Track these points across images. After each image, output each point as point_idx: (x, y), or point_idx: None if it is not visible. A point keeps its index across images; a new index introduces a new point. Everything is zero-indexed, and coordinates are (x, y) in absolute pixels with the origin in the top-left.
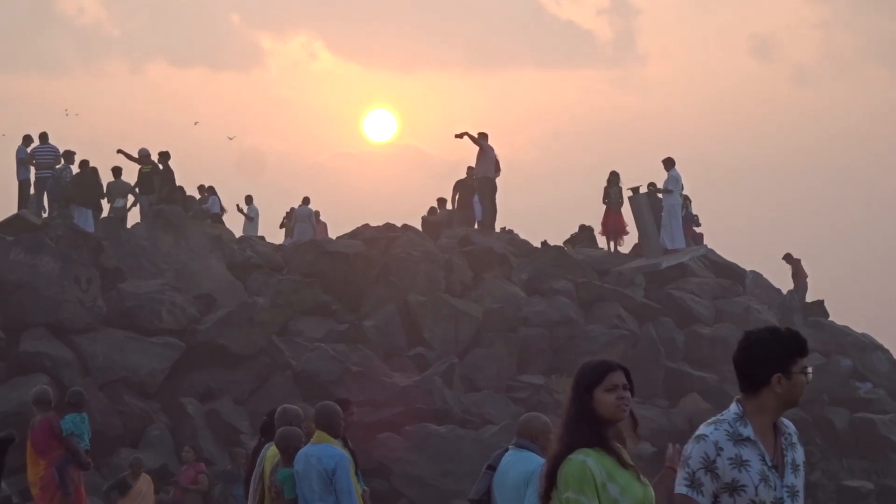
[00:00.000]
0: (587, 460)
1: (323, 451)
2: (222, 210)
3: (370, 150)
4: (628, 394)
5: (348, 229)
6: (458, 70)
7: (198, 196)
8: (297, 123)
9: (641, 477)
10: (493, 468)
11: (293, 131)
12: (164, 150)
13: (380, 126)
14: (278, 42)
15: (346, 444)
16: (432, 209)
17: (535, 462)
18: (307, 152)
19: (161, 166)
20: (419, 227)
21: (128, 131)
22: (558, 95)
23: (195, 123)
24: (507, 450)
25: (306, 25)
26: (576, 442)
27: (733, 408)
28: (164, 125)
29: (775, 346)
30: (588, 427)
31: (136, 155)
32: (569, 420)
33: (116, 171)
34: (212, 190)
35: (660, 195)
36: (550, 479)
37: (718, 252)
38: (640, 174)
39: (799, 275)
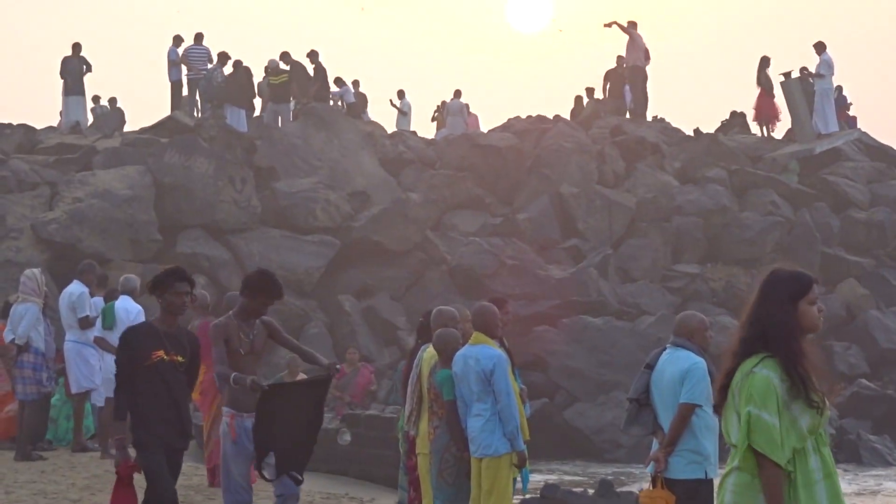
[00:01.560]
0: (771, 374)
1: (481, 351)
2: (363, 102)
3: (522, 37)
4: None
5: (502, 116)
6: None
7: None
8: (448, 13)
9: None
10: (650, 367)
11: (446, 20)
12: (312, 49)
13: (531, 13)
14: None
15: (502, 344)
16: (578, 98)
17: (691, 360)
18: (459, 41)
19: (313, 65)
20: (570, 117)
21: (273, 24)
22: None
23: (362, 9)
24: (664, 349)
25: None
26: (748, 351)
27: None
28: (312, 22)
29: None
30: (791, 339)
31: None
32: (775, 326)
33: (268, 70)
34: (340, 81)
35: (811, 79)
36: (724, 390)
37: (872, 135)
38: (801, 53)
39: None
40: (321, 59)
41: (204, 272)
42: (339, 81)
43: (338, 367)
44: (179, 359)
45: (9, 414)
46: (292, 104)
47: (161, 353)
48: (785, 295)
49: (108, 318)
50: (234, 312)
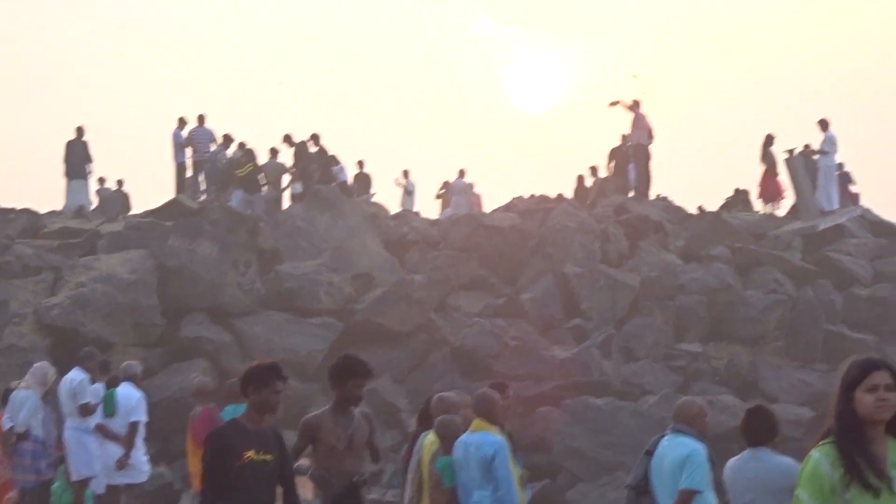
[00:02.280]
0: (822, 459)
1: (482, 438)
2: (367, 182)
3: (527, 115)
4: (892, 395)
5: (505, 195)
6: (614, 30)
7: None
8: (455, 90)
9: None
10: (650, 453)
11: (449, 99)
12: (314, 132)
13: (534, 90)
14: (433, 9)
15: (503, 429)
16: (581, 177)
17: (691, 446)
18: (463, 119)
19: (316, 147)
20: (573, 196)
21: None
22: (706, 58)
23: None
24: (664, 435)
25: None
26: (826, 435)
27: None
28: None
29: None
30: (846, 425)
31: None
32: (832, 415)
33: (273, 152)
34: (334, 160)
35: (815, 157)
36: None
37: (875, 211)
38: (803, 130)
39: None
40: (323, 141)
41: (207, 356)
42: (332, 160)
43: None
44: (268, 457)
45: (9, 502)
46: (264, 191)
47: (251, 452)
48: (844, 383)
49: (109, 406)
50: (331, 406)
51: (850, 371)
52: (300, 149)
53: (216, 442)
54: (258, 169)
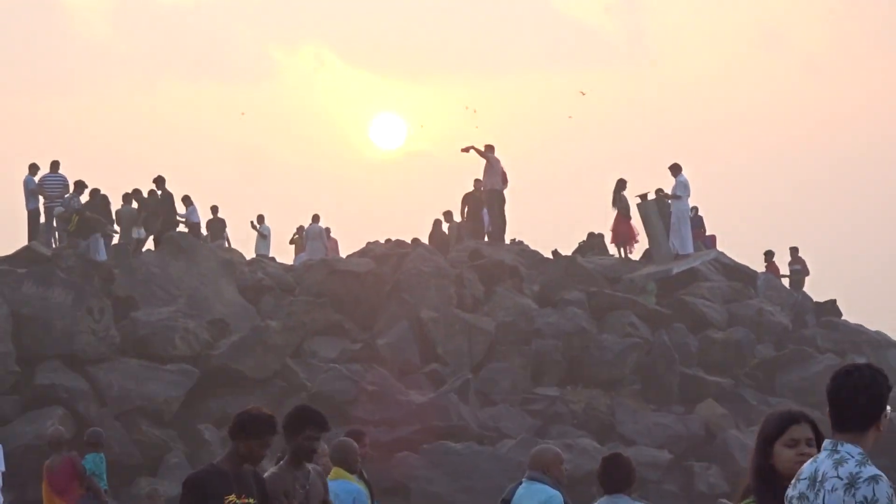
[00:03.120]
0: None
1: (340, 487)
2: (221, 227)
3: (381, 158)
4: (812, 450)
5: (361, 239)
6: (466, 74)
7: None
8: (309, 133)
9: None
10: (507, 502)
11: (304, 141)
12: (159, 175)
13: (389, 133)
14: (289, 53)
15: (361, 477)
16: (437, 222)
17: (547, 493)
18: (318, 162)
19: (159, 191)
20: (428, 241)
21: (138, 149)
22: (570, 95)
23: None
24: (520, 483)
25: (316, 35)
26: (748, 493)
27: (852, 449)
28: (175, 141)
29: (885, 384)
30: (764, 481)
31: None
32: (749, 471)
33: (126, 198)
34: (188, 200)
35: (668, 201)
36: None
37: (729, 255)
38: (653, 175)
39: (800, 272)
40: (167, 185)
41: (63, 403)
42: (186, 200)
43: None
44: (251, 501)
45: None
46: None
47: (233, 497)
48: (761, 437)
49: None
50: (286, 461)
51: (767, 424)
52: (139, 195)
53: (196, 487)
54: (89, 218)
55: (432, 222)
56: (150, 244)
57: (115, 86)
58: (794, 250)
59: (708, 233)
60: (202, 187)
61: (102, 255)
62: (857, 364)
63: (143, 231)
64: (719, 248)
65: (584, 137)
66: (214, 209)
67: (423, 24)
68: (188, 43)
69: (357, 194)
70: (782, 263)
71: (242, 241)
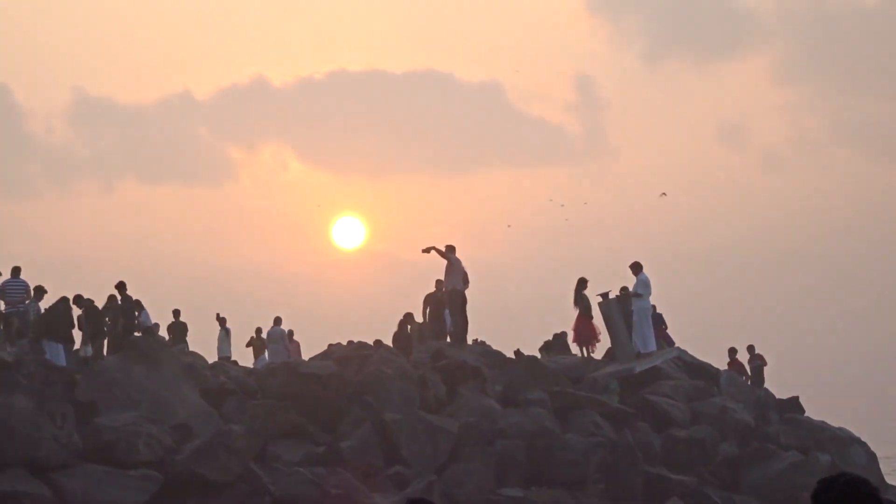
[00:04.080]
0: None
1: None
2: (183, 330)
3: (342, 258)
4: None
5: (323, 340)
6: (427, 173)
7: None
8: (269, 234)
9: None
10: None
11: (265, 242)
12: (120, 280)
13: (350, 233)
14: (248, 154)
15: None
16: (402, 323)
17: None
18: (280, 262)
19: (120, 296)
20: (391, 343)
21: (99, 252)
22: (529, 194)
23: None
24: None
25: (276, 136)
26: None
27: None
28: (137, 244)
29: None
30: None
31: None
32: None
33: (78, 300)
34: (139, 304)
35: (630, 300)
36: None
37: (691, 353)
38: (616, 272)
39: (760, 367)
40: (128, 290)
41: None
42: (137, 304)
43: None
44: None
45: None
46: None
47: None
48: None
49: None
50: None
51: None
52: (89, 306)
53: None
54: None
55: (397, 323)
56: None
57: (73, 188)
58: (751, 348)
59: (669, 330)
60: (162, 289)
61: (62, 360)
62: (842, 475)
63: (89, 349)
64: (681, 346)
65: (547, 236)
66: (176, 312)
67: (384, 123)
68: (147, 144)
69: (321, 291)
70: (744, 360)
71: (203, 342)
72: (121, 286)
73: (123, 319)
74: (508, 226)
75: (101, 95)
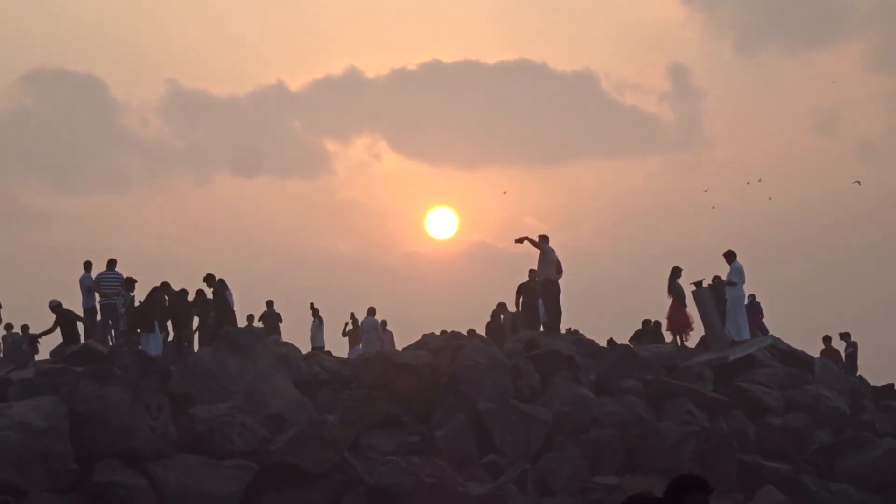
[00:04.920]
0: None
1: None
2: (276, 321)
3: (435, 248)
4: None
5: (417, 330)
6: (520, 163)
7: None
8: (363, 224)
9: None
10: None
11: (360, 233)
12: (208, 273)
13: (443, 224)
14: (342, 146)
15: None
16: (495, 312)
17: None
18: (374, 254)
19: (211, 288)
20: (484, 333)
21: (193, 244)
22: (623, 184)
23: None
24: None
25: (369, 127)
26: None
27: None
28: (231, 236)
29: None
30: None
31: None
32: None
33: (182, 293)
34: (223, 283)
35: (723, 288)
36: None
37: (785, 341)
38: (710, 260)
39: (854, 354)
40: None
41: (122, 501)
42: (221, 284)
43: None
44: None
45: None
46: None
47: None
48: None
49: None
50: None
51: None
52: (199, 295)
53: None
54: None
55: (490, 313)
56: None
57: (167, 181)
58: (845, 335)
59: (765, 318)
60: (256, 280)
61: (158, 351)
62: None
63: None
64: (775, 333)
65: (640, 224)
66: (270, 303)
67: (477, 113)
68: (241, 136)
69: (411, 285)
70: (839, 348)
71: (297, 333)
72: (209, 279)
73: (216, 312)
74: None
75: (194, 88)
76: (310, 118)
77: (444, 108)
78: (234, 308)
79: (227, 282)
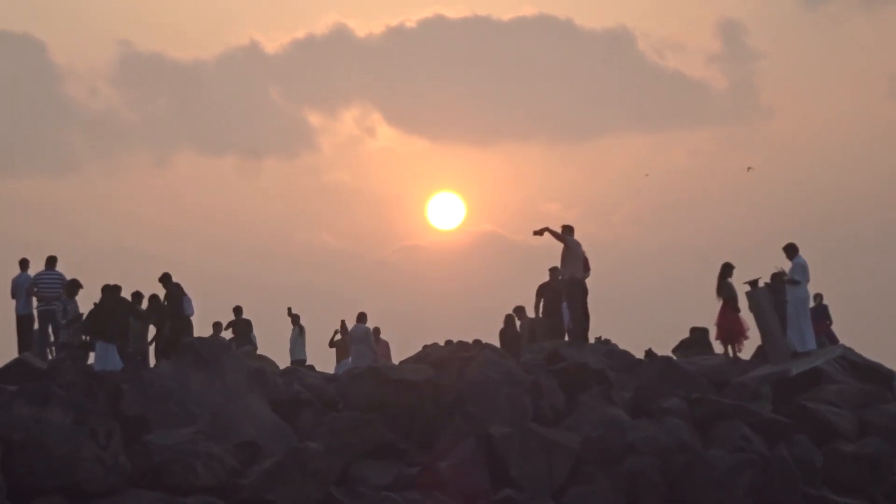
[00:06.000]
0: None
1: None
2: (247, 328)
3: (438, 241)
4: None
5: (417, 339)
6: (541, 139)
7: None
8: (353, 213)
9: None
10: None
11: (349, 223)
12: (167, 273)
13: (448, 211)
14: (328, 118)
15: None
16: (510, 318)
17: None
18: (366, 247)
19: (165, 288)
20: (497, 343)
21: (150, 236)
22: (664, 163)
23: None
24: None
25: (360, 96)
26: None
27: None
28: (195, 227)
29: None
30: None
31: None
32: None
33: (136, 297)
34: (180, 289)
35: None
36: None
37: (858, 351)
38: (768, 255)
39: None
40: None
41: None
42: (178, 289)
43: None
44: None
45: None
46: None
47: None
48: None
49: None
50: None
51: None
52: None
53: None
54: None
55: (504, 319)
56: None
57: (120, 161)
58: None
59: (834, 325)
60: (224, 281)
61: (116, 365)
62: None
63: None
64: (846, 342)
65: (684, 211)
66: (238, 310)
67: (489, 79)
68: (208, 108)
69: (410, 285)
70: None
71: (273, 344)
72: (165, 279)
73: (171, 320)
74: (646, 175)
75: (151, 51)
76: (289, 86)
77: (450, 72)
78: (193, 318)
79: (192, 282)
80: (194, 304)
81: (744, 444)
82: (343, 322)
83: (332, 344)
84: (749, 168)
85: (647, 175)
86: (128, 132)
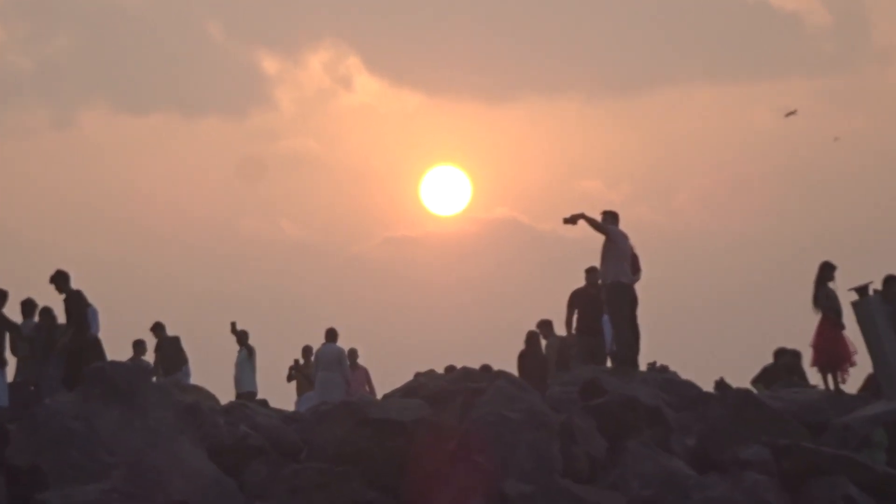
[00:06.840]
0: None
1: None
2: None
3: (435, 230)
4: None
5: (406, 365)
6: (577, 94)
7: None
8: (322, 193)
9: None
10: None
11: (316, 206)
12: (58, 270)
13: (450, 190)
14: (289, 65)
15: None
16: (531, 336)
17: None
18: (339, 239)
19: (62, 293)
20: (515, 371)
21: (46, 217)
22: (743, 125)
23: None
24: None
25: (333, 37)
26: None
27: None
28: (108, 209)
29: None
30: None
31: None
32: None
33: (27, 307)
34: (81, 297)
35: None
36: None
37: None
38: (882, 253)
39: None
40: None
41: None
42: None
43: None
44: None
45: None
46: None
47: None
48: None
49: None
50: None
51: None
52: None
53: None
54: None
55: (525, 337)
56: None
57: (13, 120)
58: None
59: None
60: (143, 286)
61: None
62: None
63: None
64: None
65: (769, 191)
66: (158, 327)
67: (505, 16)
68: (128, 53)
69: (398, 290)
70: None
71: (213, 371)
72: (58, 278)
73: (70, 335)
74: (836, 138)
75: None
76: (236, 21)
77: (452, 4)
78: (100, 335)
79: (100, 286)
80: (100, 316)
81: None
82: (306, 348)
83: (290, 377)
84: (836, 138)
85: (836, 139)
86: (20, 83)
